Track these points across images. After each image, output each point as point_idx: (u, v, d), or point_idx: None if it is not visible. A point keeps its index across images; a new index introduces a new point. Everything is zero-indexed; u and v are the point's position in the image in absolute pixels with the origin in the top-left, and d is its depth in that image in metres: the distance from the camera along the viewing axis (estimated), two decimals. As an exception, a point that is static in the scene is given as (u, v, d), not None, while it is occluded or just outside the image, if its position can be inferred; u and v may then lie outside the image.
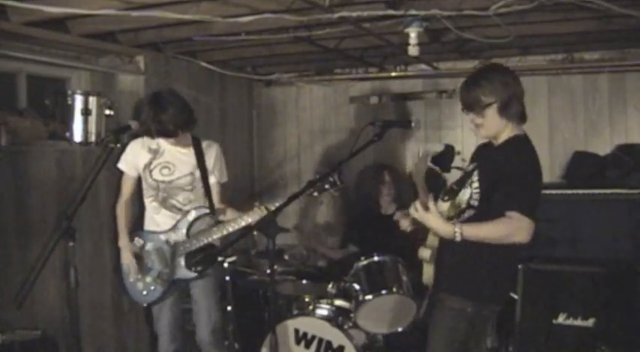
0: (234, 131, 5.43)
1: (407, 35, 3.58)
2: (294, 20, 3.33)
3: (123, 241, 3.64)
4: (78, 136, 3.70)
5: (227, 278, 3.59)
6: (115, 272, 3.84)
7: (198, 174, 3.62)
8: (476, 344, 2.80)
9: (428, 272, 2.83)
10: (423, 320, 3.01)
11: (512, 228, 2.51)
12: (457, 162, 4.55)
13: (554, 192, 4.11)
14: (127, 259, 3.60)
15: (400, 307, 3.71)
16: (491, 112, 2.68)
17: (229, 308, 3.63)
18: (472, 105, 2.72)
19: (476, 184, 2.69)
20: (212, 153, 3.71)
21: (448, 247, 2.70)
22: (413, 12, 3.27)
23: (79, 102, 3.67)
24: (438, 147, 4.81)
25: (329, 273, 4.51)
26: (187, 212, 3.57)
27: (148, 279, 3.59)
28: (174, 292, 3.63)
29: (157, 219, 3.62)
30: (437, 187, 4.74)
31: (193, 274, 3.48)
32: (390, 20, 3.45)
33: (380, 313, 3.72)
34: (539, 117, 4.75)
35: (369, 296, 3.67)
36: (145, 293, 3.60)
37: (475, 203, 2.67)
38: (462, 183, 2.79)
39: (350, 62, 5.07)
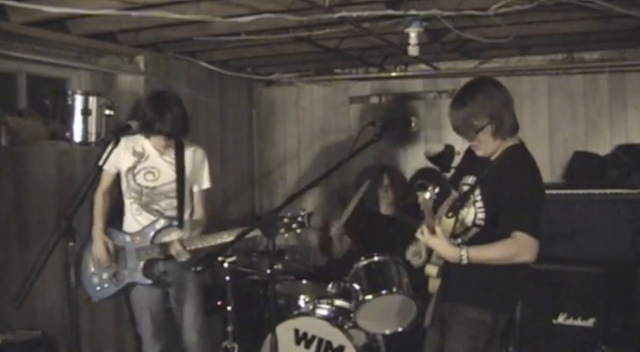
0: (234, 131, 5.43)
1: (407, 35, 3.58)
2: (294, 20, 3.33)
3: (98, 231, 3.49)
4: (78, 136, 3.70)
5: (227, 278, 3.60)
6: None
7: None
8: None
9: (434, 284, 2.78)
10: (428, 328, 2.95)
11: (518, 250, 2.50)
12: (457, 162, 4.53)
13: (554, 192, 4.10)
14: (100, 251, 3.45)
15: (400, 307, 3.71)
16: (485, 135, 2.61)
17: (229, 308, 3.63)
18: (463, 130, 2.63)
19: (480, 203, 2.63)
20: (194, 159, 3.60)
21: None
22: (413, 12, 3.26)
23: (79, 102, 3.67)
24: (438, 147, 4.80)
25: (329, 273, 4.51)
26: (156, 220, 3.50)
27: (105, 276, 3.50)
28: (152, 293, 3.55)
29: (140, 219, 3.53)
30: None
31: (148, 281, 3.47)
32: (390, 20, 3.45)
33: (380, 313, 3.72)
34: (539, 117, 4.73)
35: (369, 296, 3.67)
36: (98, 288, 3.52)
37: (481, 222, 2.63)
38: (464, 199, 2.69)
39: (350, 62, 5.07)
